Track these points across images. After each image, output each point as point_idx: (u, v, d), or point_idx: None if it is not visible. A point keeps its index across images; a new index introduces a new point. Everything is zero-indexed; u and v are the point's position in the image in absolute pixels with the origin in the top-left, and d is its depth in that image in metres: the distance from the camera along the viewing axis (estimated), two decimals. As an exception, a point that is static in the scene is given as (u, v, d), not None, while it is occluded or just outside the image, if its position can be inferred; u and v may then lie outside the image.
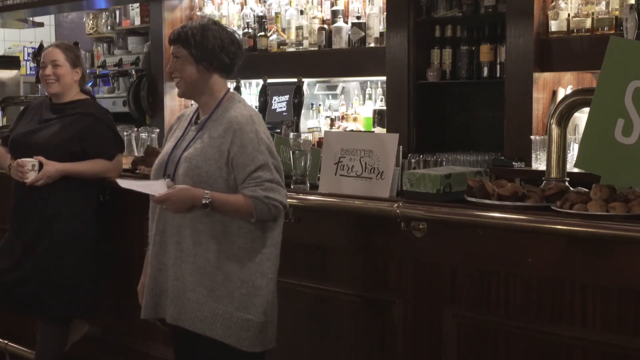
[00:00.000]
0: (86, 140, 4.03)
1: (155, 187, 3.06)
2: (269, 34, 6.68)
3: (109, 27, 8.61)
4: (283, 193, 3.02)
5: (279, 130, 5.59)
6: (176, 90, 3.16)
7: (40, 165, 3.96)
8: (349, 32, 6.23)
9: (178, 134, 3.18)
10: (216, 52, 3.06)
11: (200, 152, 3.02)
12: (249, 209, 2.96)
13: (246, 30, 6.88)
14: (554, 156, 3.43)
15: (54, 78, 4.06)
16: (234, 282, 3.01)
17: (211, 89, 3.11)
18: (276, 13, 6.73)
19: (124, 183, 3.24)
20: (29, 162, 3.96)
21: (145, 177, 4.12)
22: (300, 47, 6.48)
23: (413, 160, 3.71)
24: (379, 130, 6.12)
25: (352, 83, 6.74)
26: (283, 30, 6.70)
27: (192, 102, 3.22)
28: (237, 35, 3.20)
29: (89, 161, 4.04)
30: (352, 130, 6.09)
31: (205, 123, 3.09)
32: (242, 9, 7.11)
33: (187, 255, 3.01)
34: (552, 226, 2.84)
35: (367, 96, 6.52)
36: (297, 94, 6.02)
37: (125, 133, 5.15)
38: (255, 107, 6.51)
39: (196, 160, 3.01)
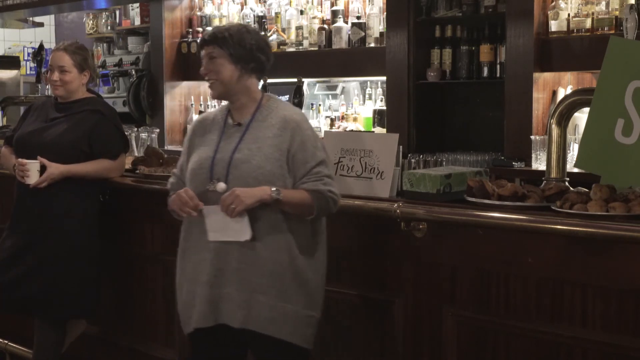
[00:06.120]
0: (93, 138, 4.03)
1: (237, 227, 2.94)
2: (269, 34, 6.68)
3: (109, 27, 8.62)
4: (337, 187, 3.05)
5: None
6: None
7: (43, 167, 3.95)
8: (349, 32, 6.23)
9: (213, 138, 3.09)
10: (254, 52, 3.04)
11: (258, 152, 2.97)
12: (311, 203, 2.96)
13: (246, 30, 6.88)
14: (554, 156, 3.43)
15: (60, 83, 4.06)
16: (300, 280, 3.00)
17: (248, 89, 3.07)
18: (276, 13, 6.74)
19: (213, 237, 3.01)
20: (32, 164, 3.95)
21: (148, 177, 4.13)
22: (300, 47, 6.48)
23: (413, 160, 3.71)
24: (379, 130, 6.12)
25: (352, 83, 6.75)
26: (283, 30, 6.70)
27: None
28: (266, 38, 3.19)
29: (92, 162, 4.03)
30: (352, 130, 6.09)
31: (251, 124, 3.04)
32: (242, 9, 7.11)
33: (256, 258, 2.95)
34: (552, 226, 2.84)
35: (367, 96, 6.53)
36: (297, 94, 6.01)
37: (125, 133, 5.14)
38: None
39: (257, 160, 2.95)
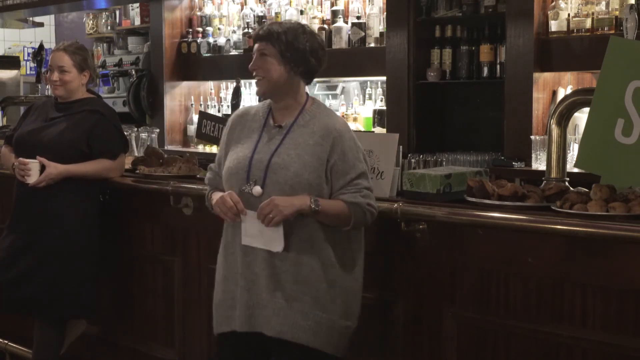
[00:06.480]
0: (92, 138, 4.03)
1: (271, 236, 2.89)
2: (269, 34, 6.67)
3: (109, 27, 8.62)
4: (375, 200, 3.00)
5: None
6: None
7: (42, 166, 3.95)
8: (349, 32, 6.23)
9: (252, 136, 3.02)
10: (306, 55, 2.96)
11: (297, 158, 2.91)
12: (349, 214, 2.91)
13: (246, 30, 6.89)
14: (554, 156, 3.43)
15: (60, 83, 4.06)
16: (336, 290, 2.95)
17: (294, 92, 3.01)
18: (276, 13, 6.74)
19: (246, 241, 2.96)
20: (33, 163, 3.95)
21: (148, 177, 4.13)
22: (300, 47, 6.47)
23: (413, 160, 3.71)
24: (379, 130, 6.12)
25: (352, 83, 6.75)
26: (283, 30, 6.68)
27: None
28: (322, 41, 3.10)
29: (92, 162, 4.03)
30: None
31: (292, 127, 2.98)
32: (242, 9, 7.12)
33: (290, 265, 2.91)
34: (552, 226, 2.84)
35: (367, 96, 6.53)
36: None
37: (125, 133, 5.15)
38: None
39: (295, 167, 2.89)
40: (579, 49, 5.00)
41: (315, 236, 2.93)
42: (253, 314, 2.96)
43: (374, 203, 2.98)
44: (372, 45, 6.11)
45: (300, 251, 2.91)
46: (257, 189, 2.91)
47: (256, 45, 2.99)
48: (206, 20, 7.31)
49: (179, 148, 7.24)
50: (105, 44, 8.71)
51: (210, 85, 7.49)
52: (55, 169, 3.96)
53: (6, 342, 4.83)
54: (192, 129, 7.27)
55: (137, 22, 8.05)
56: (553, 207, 2.94)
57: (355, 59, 6.15)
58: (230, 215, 2.93)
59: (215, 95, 7.41)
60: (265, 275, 2.93)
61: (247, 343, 3.02)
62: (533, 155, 5.00)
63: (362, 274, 3.06)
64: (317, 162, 2.91)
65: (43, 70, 6.27)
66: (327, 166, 2.92)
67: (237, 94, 6.29)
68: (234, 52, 7.02)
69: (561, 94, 5.15)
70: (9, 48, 9.84)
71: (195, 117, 6.73)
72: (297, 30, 2.97)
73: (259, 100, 3.16)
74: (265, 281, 2.93)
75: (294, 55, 2.95)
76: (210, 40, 7.20)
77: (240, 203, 2.91)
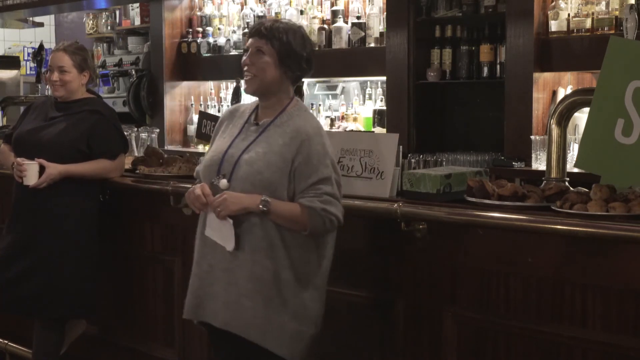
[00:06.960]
0: (92, 138, 4.03)
1: (225, 233, 2.94)
2: (269, 34, 6.67)
3: (109, 27, 8.63)
4: (340, 208, 2.95)
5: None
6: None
7: (41, 167, 3.95)
8: (349, 32, 6.24)
9: (233, 132, 3.06)
10: (302, 63, 2.99)
11: (263, 157, 2.92)
12: (304, 219, 2.89)
13: (246, 30, 6.88)
14: (554, 156, 3.43)
15: (60, 84, 4.06)
16: (289, 292, 2.94)
17: (283, 93, 3.02)
18: (276, 13, 6.74)
19: (208, 233, 3.03)
20: (31, 165, 3.95)
21: (148, 177, 4.14)
22: (300, 47, 6.47)
23: (413, 160, 3.71)
24: (379, 130, 6.12)
25: (352, 83, 6.75)
26: (283, 30, 6.68)
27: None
28: (314, 46, 3.11)
29: (91, 162, 4.03)
30: (352, 130, 6.09)
31: (268, 127, 2.99)
32: (242, 9, 7.12)
33: (244, 262, 2.92)
34: (552, 226, 2.84)
35: (367, 96, 6.53)
36: (296, 93, 5.99)
37: (125, 133, 5.15)
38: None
39: (258, 165, 2.91)
40: (579, 49, 5.00)
41: (272, 236, 2.92)
42: (201, 304, 3.00)
43: (334, 210, 2.92)
44: (372, 45, 6.12)
45: (256, 249, 2.92)
46: (223, 182, 2.95)
47: (251, 40, 2.99)
48: (206, 20, 7.31)
49: (179, 148, 7.24)
50: (105, 44, 8.72)
51: (210, 85, 7.49)
52: (55, 169, 3.96)
53: (6, 342, 4.83)
54: (192, 129, 7.28)
55: (137, 22, 8.05)
56: (553, 207, 2.94)
57: (355, 59, 6.16)
58: (198, 205, 2.98)
59: (215, 95, 7.41)
60: (221, 269, 2.96)
61: (217, 334, 3.04)
62: (533, 155, 5.01)
63: (324, 281, 3.04)
64: (282, 162, 2.91)
65: (43, 70, 6.28)
66: (291, 167, 2.92)
67: (237, 94, 6.30)
68: (234, 52, 7.02)
69: (561, 94, 5.15)
70: (9, 48, 9.84)
71: (195, 117, 6.73)
72: (298, 36, 2.98)
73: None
74: (220, 274, 2.96)
75: (292, 62, 2.97)
76: (210, 40, 7.21)
77: (211, 196, 2.95)
